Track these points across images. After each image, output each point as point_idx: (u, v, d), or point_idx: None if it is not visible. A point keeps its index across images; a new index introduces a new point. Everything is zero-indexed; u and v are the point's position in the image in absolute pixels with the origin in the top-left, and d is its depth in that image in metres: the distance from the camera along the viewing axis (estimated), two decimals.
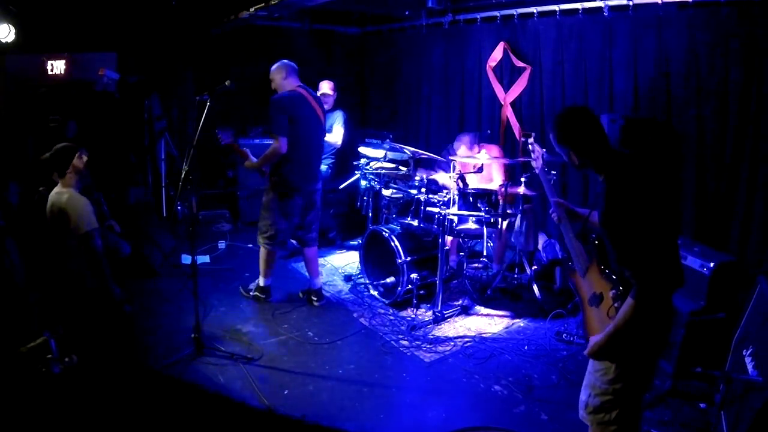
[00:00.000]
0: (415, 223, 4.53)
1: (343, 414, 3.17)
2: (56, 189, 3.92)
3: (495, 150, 5.07)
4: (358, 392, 3.38)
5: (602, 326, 2.14)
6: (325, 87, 5.81)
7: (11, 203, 4.62)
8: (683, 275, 2.06)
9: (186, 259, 5.29)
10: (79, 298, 3.82)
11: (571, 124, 2.18)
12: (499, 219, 4.45)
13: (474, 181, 5.09)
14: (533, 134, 2.76)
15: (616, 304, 2.09)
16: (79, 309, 3.75)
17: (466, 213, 4.40)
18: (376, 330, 4.17)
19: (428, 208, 4.46)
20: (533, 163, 2.67)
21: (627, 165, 2.09)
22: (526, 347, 3.92)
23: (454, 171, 4.34)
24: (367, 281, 4.89)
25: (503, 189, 4.42)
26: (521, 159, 4.99)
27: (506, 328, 4.24)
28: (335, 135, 5.78)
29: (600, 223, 2.11)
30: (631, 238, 1.98)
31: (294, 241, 5.79)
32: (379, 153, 5.38)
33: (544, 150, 2.71)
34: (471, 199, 4.44)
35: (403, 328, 4.19)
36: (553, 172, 4.54)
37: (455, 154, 4.94)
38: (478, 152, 4.98)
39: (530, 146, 2.67)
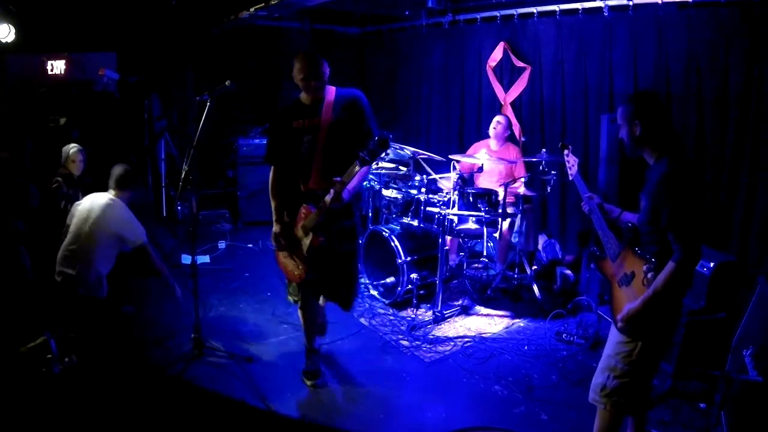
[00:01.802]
0: (415, 223, 4.53)
1: (343, 414, 3.17)
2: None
3: (514, 149, 5.10)
4: (358, 392, 3.38)
5: (633, 300, 2.28)
6: None
7: (32, 205, 4.59)
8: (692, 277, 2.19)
9: (186, 259, 5.28)
10: (79, 296, 3.81)
11: (651, 101, 2.36)
12: (499, 219, 4.46)
13: (485, 181, 5.12)
14: (570, 146, 3.01)
15: (650, 275, 2.24)
16: (79, 307, 3.74)
17: (466, 213, 4.40)
18: (376, 330, 4.17)
19: (428, 208, 4.46)
20: (569, 171, 2.89)
21: (679, 151, 2.31)
22: (526, 347, 3.92)
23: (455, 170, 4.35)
24: (367, 281, 4.89)
25: (504, 188, 4.42)
26: (522, 159, 5.00)
27: (506, 328, 4.24)
28: None
29: (650, 197, 2.28)
30: (684, 207, 2.18)
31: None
32: None
33: (578, 160, 2.94)
34: (471, 199, 4.44)
35: (403, 328, 4.18)
36: (552, 171, 4.55)
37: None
38: (503, 144, 5.08)
39: (566, 157, 2.92)
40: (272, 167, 3.26)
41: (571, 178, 2.86)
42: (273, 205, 3.24)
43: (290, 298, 3.51)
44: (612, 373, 2.37)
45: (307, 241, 3.10)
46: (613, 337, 2.42)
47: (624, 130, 2.40)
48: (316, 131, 3.07)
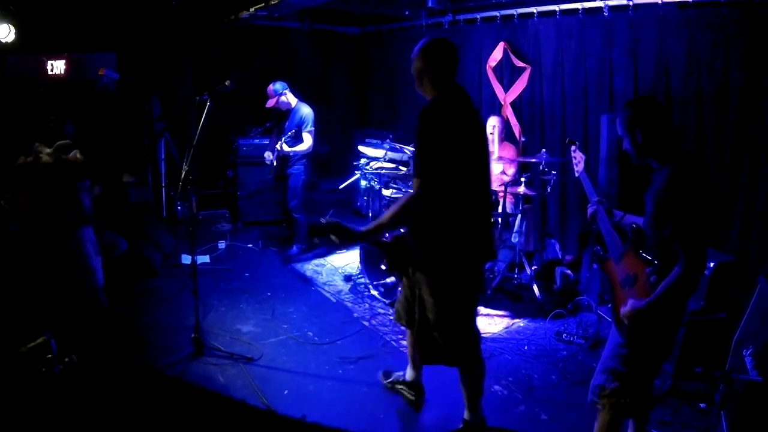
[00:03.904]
0: None
1: (344, 414, 3.17)
2: None
3: (510, 149, 5.09)
4: (358, 392, 3.38)
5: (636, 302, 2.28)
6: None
7: None
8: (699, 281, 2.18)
9: (186, 259, 5.29)
10: (76, 296, 3.81)
11: (649, 107, 2.33)
12: (499, 219, 4.46)
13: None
14: (577, 142, 2.97)
15: (652, 279, 2.23)
16: (77, 308, 3.74)
17: None
18: (376, 330, 4.17)
19: None
20: (575, 168, 2.85)
21: (684, 156, 2.28)
22: (526, 347, 3.92)
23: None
24: (367, 281, 4.89)
25: (504, 188, 4.43)
26: (521, 159, 5.00)
27: (506, 328, 4.24)
28: (306, 142, 5.37)
29: (655, 203, 2.26)
30: (690, 215, 2.16)
31: (301, 245, 5.73)
32: (379, 153, 5.38)
33: (585, 156, 2.91)
34: None
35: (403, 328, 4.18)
36: (553, 171, 4.55)
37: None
38: (500, 144, 5.07)
39: (573, 153, 2.88)
40: None
41: (577, 175, 2.82)
42: None
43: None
44: (611, 375, 2.35)
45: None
46: (613, 338, 2.41)
47: (626, 140, 2.36)
48: None
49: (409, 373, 3.28)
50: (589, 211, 2.64)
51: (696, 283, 2.23)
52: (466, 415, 2.90)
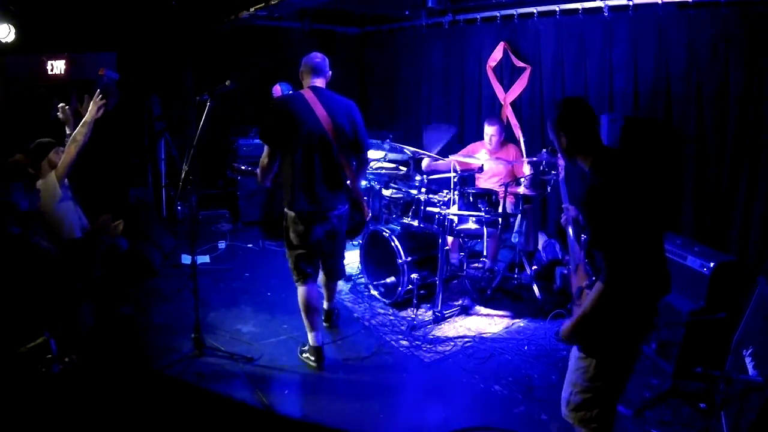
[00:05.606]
0: (416, 223, 4.53)
1: (344, 414, 3.17)
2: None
3: (513, 149, 5.09)
4: (358, 392, 3.38)
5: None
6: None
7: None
8: (669, 282, 2.09)
9: (186, 259, 5.29)
10: (74, 297, 3.81)
11: (574, 109, 2.25)
12: (499, 219, 4.46)
13: (485, 181, 5.13)
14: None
15: (587, 291, 2.17)
16: (76, 308, 3.74)
17: (466, 213, 4.40)
18: (376, 330, 4.17)
19: (428, 208, 4.46)
20: (559, 173, 2.84)
21: (615, 159, 2.16)
22: (526, 347, 3.92)
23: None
24: (367, 281, 4.89)
25: (504, 188, 4.43)
26: (523, 159, 5.00)
27: (506, 328, 4.24)
28: None
29: (579, 210, 2.18)
30: (605, 224, 2.03)
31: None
32: (379, 153, 5.38)
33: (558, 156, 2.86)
34: (471, 199, 4.44)
35: (403, 328, 4.18)
36: (553, 172, 4.55)
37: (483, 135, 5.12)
38: (501, 148, 5.06)
39: (558, 159, 2.90)
40: None
41: (559, 180, 2.83)
42: None
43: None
44: (574, 389, 2.29)
45: None
46: (574, 350, 2.34)
47: (555, 142, 2.29)
48: None
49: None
50: (562, 219, 2.59)
51: (661, 285, 2.08)
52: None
